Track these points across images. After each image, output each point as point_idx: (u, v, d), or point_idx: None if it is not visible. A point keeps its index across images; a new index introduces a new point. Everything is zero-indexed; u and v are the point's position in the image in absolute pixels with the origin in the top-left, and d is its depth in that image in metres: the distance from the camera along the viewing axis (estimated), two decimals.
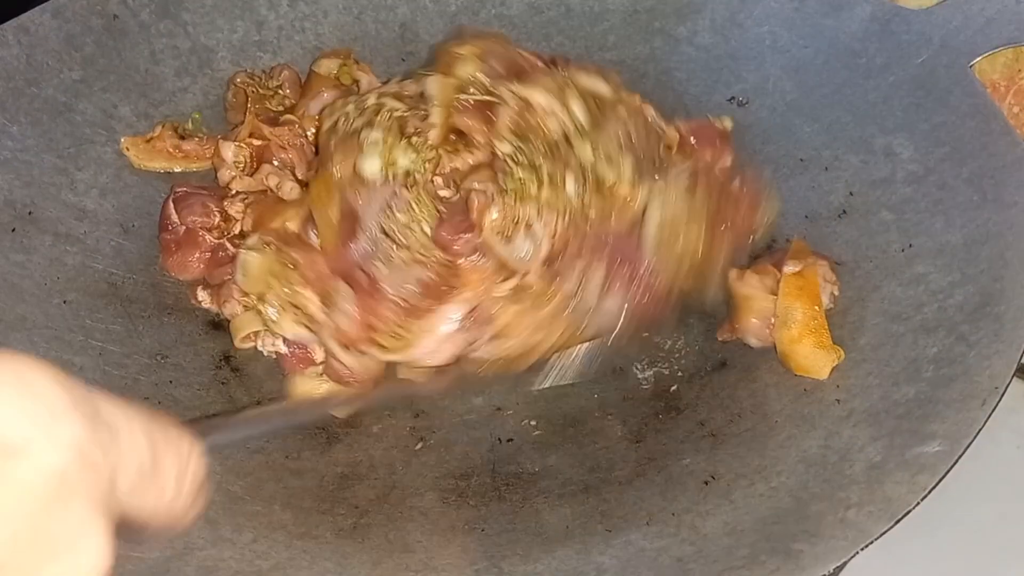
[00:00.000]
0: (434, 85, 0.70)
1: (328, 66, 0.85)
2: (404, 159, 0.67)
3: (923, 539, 0.69)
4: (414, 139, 0.68)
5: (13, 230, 0.72)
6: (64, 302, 0.71)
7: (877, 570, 0.66)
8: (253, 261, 0.70)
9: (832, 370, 0.67)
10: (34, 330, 0.68)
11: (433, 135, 0.68)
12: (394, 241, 0.66)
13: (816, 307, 0.69)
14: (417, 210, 0.66)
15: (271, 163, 0.79)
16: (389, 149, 0.67)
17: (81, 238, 0.75)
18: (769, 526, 0.58)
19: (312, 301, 0.69)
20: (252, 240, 0.72)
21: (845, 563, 0.55)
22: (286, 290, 0.69)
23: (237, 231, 0.76)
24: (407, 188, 0.66)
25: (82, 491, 0.29)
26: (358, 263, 0.67)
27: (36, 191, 0.75)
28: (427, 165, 0.67)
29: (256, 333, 0.72)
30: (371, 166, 0.67)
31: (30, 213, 0.74)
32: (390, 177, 0.67)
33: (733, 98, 0.86)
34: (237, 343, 0.73)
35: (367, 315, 0.67)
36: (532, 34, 0.92)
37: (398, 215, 0.66)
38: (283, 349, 0.71)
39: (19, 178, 0.75)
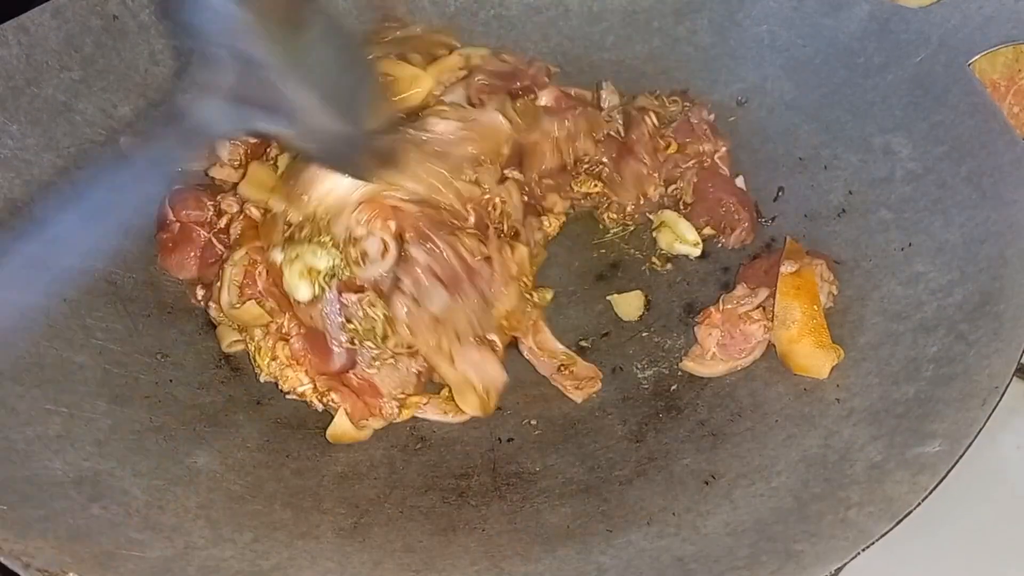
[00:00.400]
0: (247, 190, 0.74)
1: None
2: (320, 261, 0.67)
3: (924, 539, 0.69)
4: (315, 237, 0.68)
5: (13, 228, 0.72)
6: (64, 301, 0.71)
7: (877, 570, 0.66)
8: (250, 310, 0.70)
9: (832, 369, 0.67)
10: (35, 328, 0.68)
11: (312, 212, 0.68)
12: (372, 345, 0.68)
13: (815, 306, 0.69)
14: (373, 312, 0.67)
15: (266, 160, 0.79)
16: (301, 262, 0.67)
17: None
18: (770, 526, 0.58)
19: (302, 382, 0.69)
20: (238, 254, 0.71)
21: (846, 563, 0.55)
22: (273, 363, 0.70)
23: (223, 224, 0.76)
24: (350, 292, 0.67)
25: None
26: (347, 369, 0.68)
27: (36, 190, 0.75)
28: (340, 257, 0.67)
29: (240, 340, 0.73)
30: (302, 292, 0.67)
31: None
32: (324, 287, 0.67)
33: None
34: (224, 348, 0.73)
35: (369, 407, 0.69)
36: (530, 35, 0.92)
37: (356, 323, 0.67)
38: None
39: (19, 177, 0.75)
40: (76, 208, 0.51)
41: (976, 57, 0.75)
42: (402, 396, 0.69)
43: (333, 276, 0.67)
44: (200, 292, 0.75)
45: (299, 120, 0.56)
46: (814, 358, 0.67)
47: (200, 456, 0.65)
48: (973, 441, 0.57)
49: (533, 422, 0.70)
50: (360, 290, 0.67)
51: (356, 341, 0.67)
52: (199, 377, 0.71)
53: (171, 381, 0.70)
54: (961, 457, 0.56)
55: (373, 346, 0.68)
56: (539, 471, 0.67)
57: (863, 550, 0.54)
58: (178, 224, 0.76)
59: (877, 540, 0.54)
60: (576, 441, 0.68)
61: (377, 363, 0.68)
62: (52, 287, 0.51)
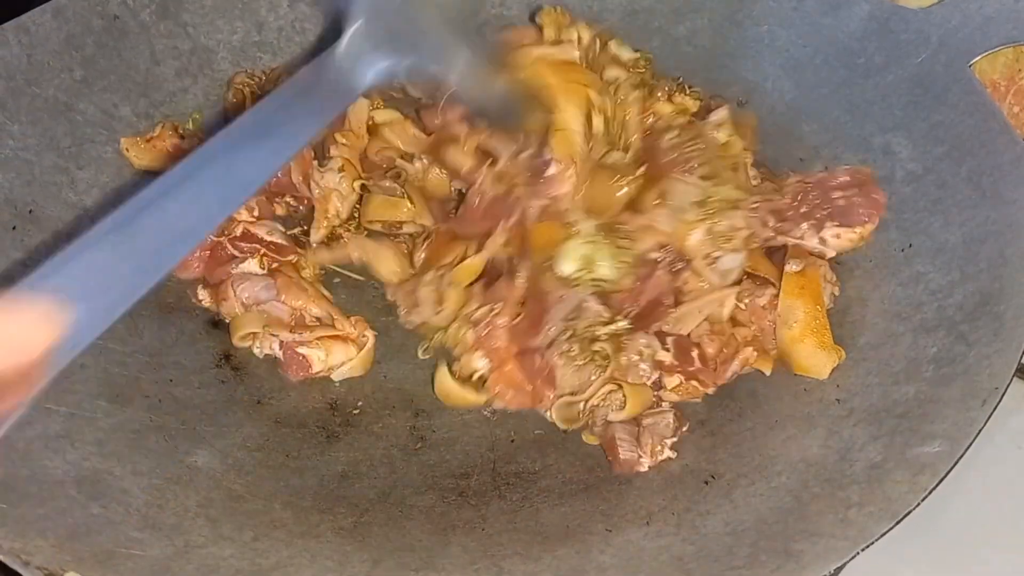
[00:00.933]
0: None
1: None
2: (604, 266, 0.67)
3: (923, 539, 0.68)
4: (621, 242, 0.68)
5: (14, 228, 0.72)
6: None
7: (877, 570, 0.66)
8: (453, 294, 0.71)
9: (832, 370, 0.67)
10: None
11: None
12: (578, 347, 0.67)
13: (818, 306, 0.69)
14: (606, 331, 0.67)
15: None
16: (590, 249, 0.67)
17: None
18: (769, 525, 0.58)
19: (480, 362, 0.70)
20: (428, 276, 0.73)
21: (845, 563, 0.55)
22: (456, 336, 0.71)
23: (239, 233, 0.76)
24: (601, 304, 0.67)
25: None
26: (536, 348, 0.68)
27: (37, 190, 0.75)
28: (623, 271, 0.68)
29: (254, 334, 0.72)
30: (566, 267, 0.67)
31: (31, 212, 0.74)
32: (584, 281, 0.67)
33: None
34: (236, 340, 0.73)
35: (535, 395, 0.69)
36: None
37: (583, 324, 0.67)
38: (278, 353, 0.71)
39: (20, 177, 0.75)
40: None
41: (976, 58, 0.75)
42: (571, 398, 0.68)
43: (595, 283, 0.67)
44: (202, 292, 0.75)
45: (451, 62, 0.58)
46: (815, 359, 0.67)
47: (200, 455, 0.65)
48: (973, 441, 0.57)
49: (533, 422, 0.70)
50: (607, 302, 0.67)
51: (569, 334, 0.67)
52: (199, 376, 0.71)
53: (171, 381, 0.70)
54: (961, 457, 0.56)
55: (581, 350, 0.67)
56: (539, 470, 0.67)
57: (863, 550, 0.54)
58: None
59: (877, 540, 0.54)
60: (576, 440, 0.68)
61: (569, 361, 0.67)
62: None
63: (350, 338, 0.72)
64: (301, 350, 0.70)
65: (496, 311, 0.69)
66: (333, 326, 0.72)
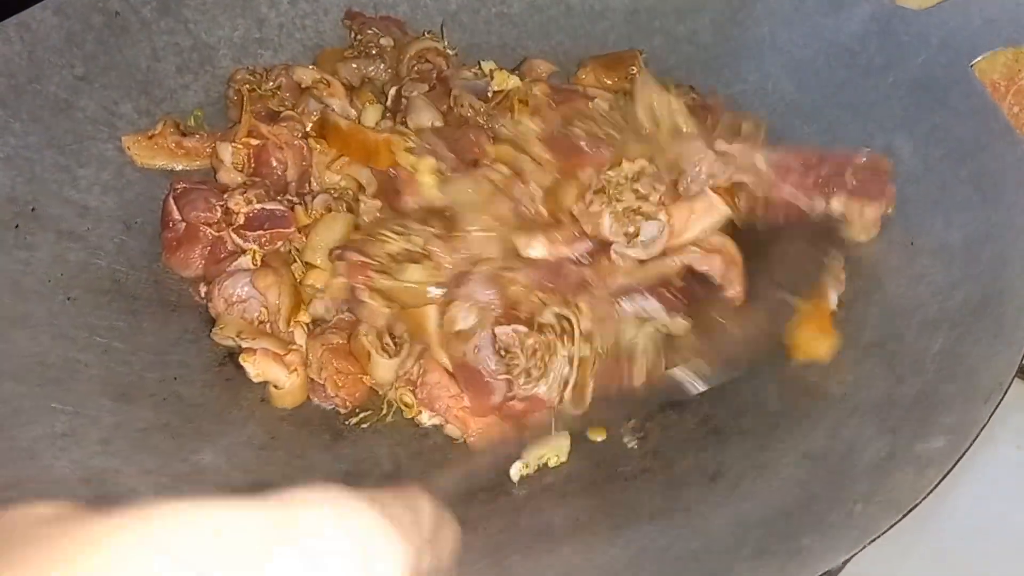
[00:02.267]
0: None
1: (302, 75, 0.86)
2: None
3: (924, 537, 0.69)
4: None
5: (16, 227, 0.72)
6: (68, 299, 0.71)
7: (878, 569, 0.66)
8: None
9: (836, 363, 0.67)
10: (38, 327, 0.68)
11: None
12: (533, 369, 0.66)
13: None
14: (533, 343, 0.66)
15: (269, 164, 0.79)
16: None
17: (84, 235, 0.75)
18: (776, 520, 0.58)
19: (430, 420, 0.70)
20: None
21: (852, 556, 0.55)
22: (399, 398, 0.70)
23: (241, 222, 0.76)
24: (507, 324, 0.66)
25: None
26: (508, 399, 0.66)
27: (38, 188, 0.75)
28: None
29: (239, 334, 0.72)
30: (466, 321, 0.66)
31: (32, 210, 0.74)
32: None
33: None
34: (215, 337, 0.72)
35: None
36: (533, 33, 0.92)
37: (517, 352, 0.65)
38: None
39: (21, 175, 0.75)
40: None
41: (977, 59, 0.76)
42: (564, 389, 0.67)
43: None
44: (204, 289, 0.75)
45: None
46: (816, 342, 0.68)
47: (206, 454, 0.65)
48: (978, 436, 0.57)
49: None
50: (517, 320, 0.65)
51: (516, 369, 0.65)
52: (203, 375, 0.71)
53: (175, 379, 0.70)
54: (967, 451, 0.56)
55: (537, 367, 0.65)
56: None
57: (869, 543, 0.54)
58: (184, 223, 0.76)
59: (884, 533, 0.54)
60: (580, 437, 0.68)
61: (533, 377, 0.66)
62: None
63: (289, 365, 0.70)
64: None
65: (424, 368, 0.69)
66: (279, 339, 0.71)
